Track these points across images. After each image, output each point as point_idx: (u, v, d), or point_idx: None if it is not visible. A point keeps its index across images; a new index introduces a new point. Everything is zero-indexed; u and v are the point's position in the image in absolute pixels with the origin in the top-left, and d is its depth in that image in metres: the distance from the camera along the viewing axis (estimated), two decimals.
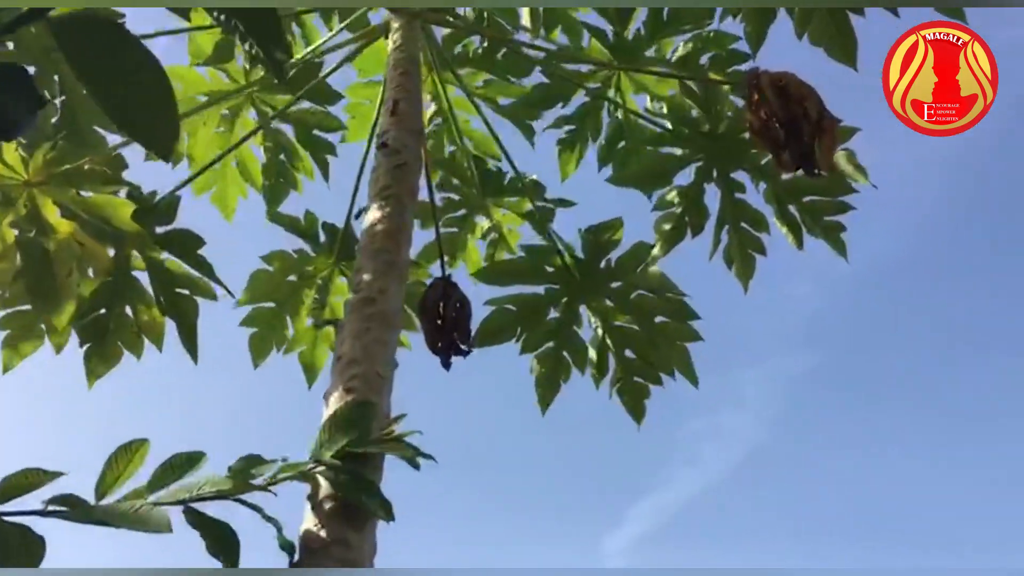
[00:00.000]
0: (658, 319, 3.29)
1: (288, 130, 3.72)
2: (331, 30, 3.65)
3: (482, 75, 3.71)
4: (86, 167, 2.50)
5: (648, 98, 3.55)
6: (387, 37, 3.08)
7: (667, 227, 3.20)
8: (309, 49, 3.63)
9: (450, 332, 3.17)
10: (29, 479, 1.36)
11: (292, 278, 3.50)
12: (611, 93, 3.50)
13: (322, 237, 3.52)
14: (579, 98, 3.54)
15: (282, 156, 3.79)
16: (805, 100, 2.57)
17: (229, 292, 3.06)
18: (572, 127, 3.60)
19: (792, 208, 3.22)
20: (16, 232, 2.55)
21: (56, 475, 1.36)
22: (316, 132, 3.72)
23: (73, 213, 2.59)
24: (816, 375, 10.12)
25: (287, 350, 3.57)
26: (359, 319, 2.13)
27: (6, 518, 1.33)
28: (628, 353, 3.33)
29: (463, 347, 3.18)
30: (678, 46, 3.34)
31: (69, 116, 2.95)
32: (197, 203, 3.70)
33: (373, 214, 2.39)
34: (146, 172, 3.84)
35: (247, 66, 3.60)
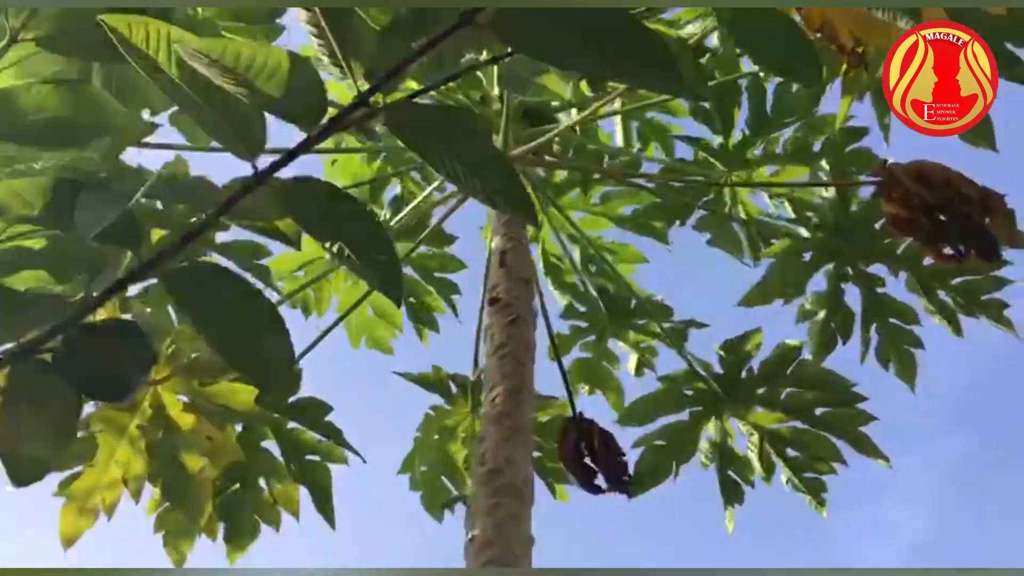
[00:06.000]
0: (819, 411, 3.06)
1: (412, 273, 3.78)
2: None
3: (598, 189, 3.64)
4: (203, 358, 2.52)
5: (766, 196, 3.40)
6: None
7: (815, 336, 3.01)
8: (420, 197, 3.69)
9: (610, 467, 2.91)
10: None
11: (435, 437, 3.44)
12: (727, 203, 3.37)
13: (453, 389, 3.45)
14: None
15: (411, 299, 3.86)
16: (953, 182, 2.35)
17: (361, 458, 3.01)
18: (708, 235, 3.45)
19: (942, 294, 2.98)
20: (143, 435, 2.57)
21: None
22: (438, 274, 3.79)
23: (196, 405, 2.61)
24: (976, 460, 9.08)
25: None
26: (488, 494, 2.03)
27: None
28: (791, 452, 3.12)
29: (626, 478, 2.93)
30: (786, 137, 3.21)
31: None
32: None
33: (491, 375, 2.33)
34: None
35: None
